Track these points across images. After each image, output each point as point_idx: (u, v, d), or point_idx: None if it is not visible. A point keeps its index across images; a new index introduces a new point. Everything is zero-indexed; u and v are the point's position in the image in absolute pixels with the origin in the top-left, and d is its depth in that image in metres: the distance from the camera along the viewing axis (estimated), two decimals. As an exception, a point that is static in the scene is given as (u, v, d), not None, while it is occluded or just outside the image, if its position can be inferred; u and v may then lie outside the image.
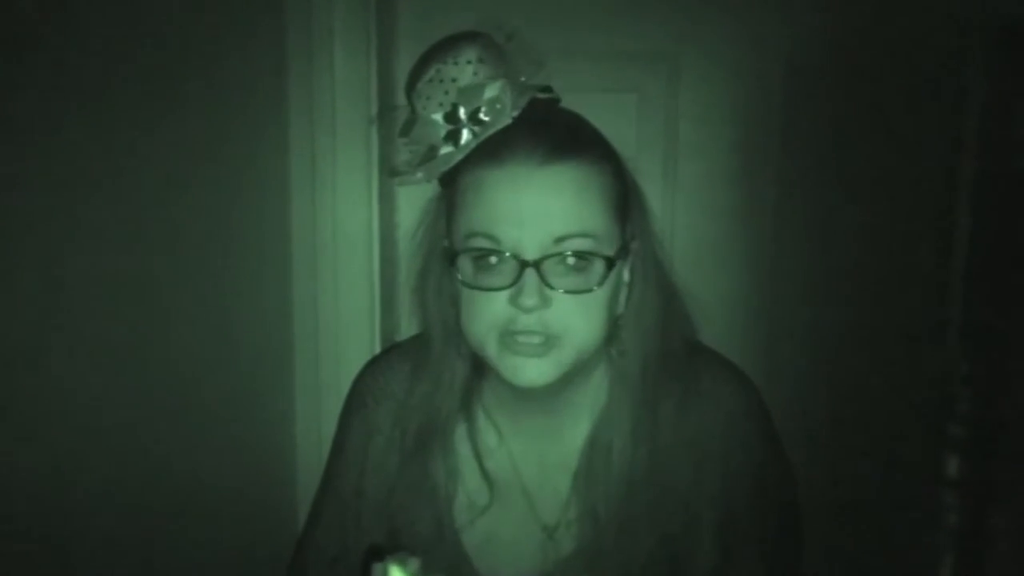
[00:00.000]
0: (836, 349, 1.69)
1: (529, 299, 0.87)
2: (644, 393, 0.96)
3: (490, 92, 0.90)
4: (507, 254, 0.87)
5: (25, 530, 1.01)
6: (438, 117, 0.90)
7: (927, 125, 1.60)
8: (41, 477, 1.03)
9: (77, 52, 1.06)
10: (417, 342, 1.03)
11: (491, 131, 0.90)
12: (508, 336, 0.89)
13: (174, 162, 1.27)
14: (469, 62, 0.90)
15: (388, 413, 1.03)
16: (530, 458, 1.01)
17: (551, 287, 0.87)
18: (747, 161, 1.73)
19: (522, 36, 0.93)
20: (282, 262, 1.66)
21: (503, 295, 0.88)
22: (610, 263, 0.89)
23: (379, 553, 0.92)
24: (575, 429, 0.99)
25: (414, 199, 0.99)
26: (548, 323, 0.88)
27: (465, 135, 0.90)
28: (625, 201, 0.94)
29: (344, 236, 1.68)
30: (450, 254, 0.92)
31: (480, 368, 0.99)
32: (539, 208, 0.87)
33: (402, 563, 0.87)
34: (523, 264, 0.87)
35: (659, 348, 0.96)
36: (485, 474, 1.01)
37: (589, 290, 0.89)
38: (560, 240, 0.87)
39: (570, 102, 0.96)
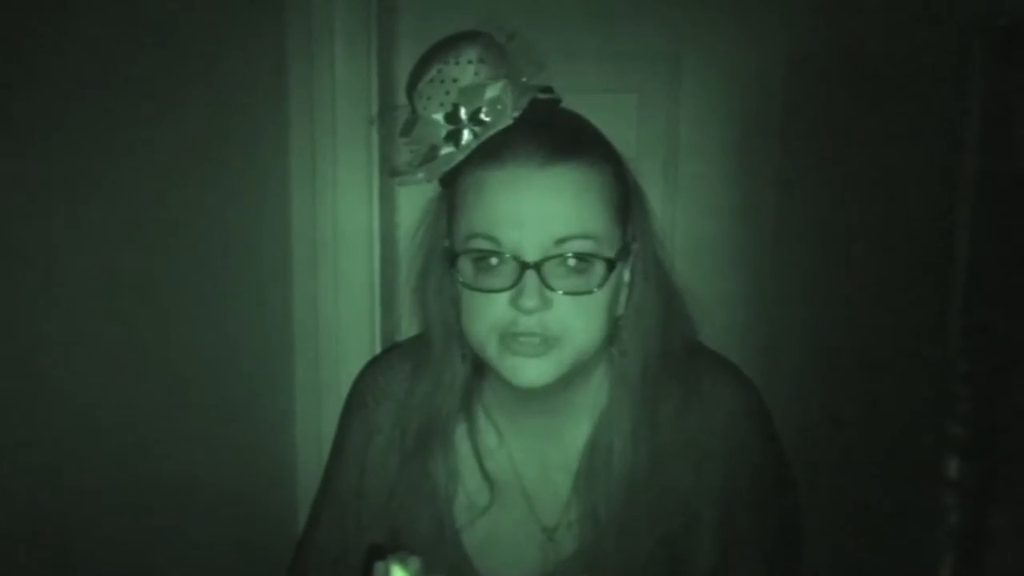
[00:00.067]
0: (836, 349, 1.69)
1: (529, 301, 0.86)
2: (644, 394, 0.96)
3: (491, 92, 0.89)
4: (508, 255, 0.87)
5: (25, 530, 1.01)
6: (439, 117, 0.90)
7: (927, 125, 1.60)
8: (41, 478, 1.03)
9: (77, 52, 1.06)
10: (417, 342, 1.03)
11: (492, 131, 0.89)
12: (508, 338, 0.89)
13: (174, 162, 1.27)
14: (470, 62, 0.90)
15: (388, 413, 1.03)
16: (530, 459, 1.01)
17: (551, 288, 0.87)
18: (747, 161, 1.73)
19: (523, 36, 0.93)
20: (282, 262, 1.66)
21: (503, 297, 0.88)
22: (610, 265, 0.89)
23: (380, 552, 0.93)
24: (575, 430, 0.99)
25: (414, 199, 0.99)
26: (548, 324, 0.88)
27: (466, 135, 0.90)
28: (626, 202, 0.94)
29: (344, 236, 1.68)
30: (450, 255, 0.92)
31: (480, 368, 0.99)
32: (539, 209, 0.87)
33: (403, 562, 0.87)
34: (523, 266, 0.87)
35: (660, 349, 0.96)
36: (485, 474, 1.01)
37: (589, 292, 0.88)
38: (560, 242, 0.87)
39: (571, 103, 0.95)
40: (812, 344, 1.71)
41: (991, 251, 0.60)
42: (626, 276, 0.94)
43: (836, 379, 1.67)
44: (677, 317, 0.98)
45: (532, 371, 0.89)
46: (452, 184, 0.92)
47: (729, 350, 1.04)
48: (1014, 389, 0.56)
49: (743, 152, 1.73)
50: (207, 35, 1.35)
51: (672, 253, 1.01)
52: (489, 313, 0.89)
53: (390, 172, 0.95)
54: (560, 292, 0.88)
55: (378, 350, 1.60)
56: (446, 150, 0.91)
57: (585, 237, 0.88)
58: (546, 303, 0.87)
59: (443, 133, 0.90)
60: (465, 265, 0.90)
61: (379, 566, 0.88)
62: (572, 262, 0.88)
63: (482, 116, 0.90)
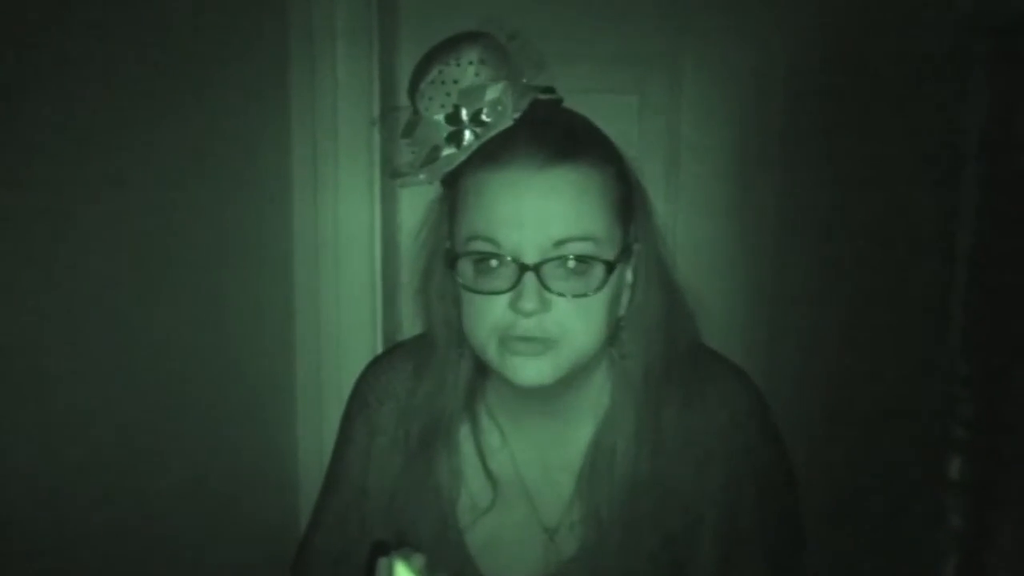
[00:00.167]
0: (837, 349, 1.69)
1: (528, 303, 0.86)
2: (647, 395, 0.96)
3: (491, 94, 0.89)
4: (507, 258, 0.87)
5: (25, 531, 1.01)
6: (440, 118, 0.90)
7: (927, 125, 1.59)
8: (41, 479, 1.03)
9: (79, 53, 1.06)
10: (419, 342, 1.03)
11: (493, 133, 0.89)
12: (508, 339, 0.89)
13: (176, 163, 1.27)
14: (471, 63, 0.89)
15: (391, 413, 1.03)
16: (532, 459, 1.01)
17: (550, 291, 0.87)
18: (748, 162, 1.73)
19: (524, 37, 0.93)
20: (284, 263, 1.67)
21: (503, 299, 0.88)
22: (610, 267, 0.89)
23: (384, 548, 0.93)
24: (578, 431, 0.99)
25: (416, 199, 1.00)
26: (547, 327, 0.88)
27: (467, 136, 0.90)
28: (628, 203, 0.93)
29: (346, 236, 1.68)
30: (451, 257, 0.92)
31: (483, 368, 0.99)
32: (539, 211, 0.87)
33: (407, 559, 0.87)
34: (522, 268, 0.87)
35: (662, 350, 0.96)
36: (488, 474, 1.01)
37: (589, 294, 0.89)
38: (560, 243, 0.87)
39: (572, 104, 0.95)
40: (812, 344, 1.71)
41: (992, 251, 0.60)
42: (628, 277, 0.94)
43: (836, 379, 1.67)
44: (680, 318, 0.98)
45: (532, 371, 0.89)
46: (453, 185, 0.92)
47: (729, 350, 1.04)
48: (1016, 389, 0.56)
49: (744, 152, 1.73)
50: (209, 36, 1.36)
51: (673, 253, 1.01)
52: (489, 315, 0.89)
53: (391, 174, 0.95)
54: (559, 295, 0.88)
55: (380, 351, 1.60)
56: (447, 151, 0.90)
57: (584, 239, 0.88)
58: (545, 305, 0.87)
59: (444, 134, 0.90)
60: (465, 267, 0.90)
61: (383, 562, 0.89)
62: (572, 264, 0.88)
63: (483, 117, 0.89)
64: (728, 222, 1.74)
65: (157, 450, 1.24)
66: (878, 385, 1.65)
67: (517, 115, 0.90)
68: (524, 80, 0.91)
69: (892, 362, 1.64)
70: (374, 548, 0.99)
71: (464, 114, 0.90)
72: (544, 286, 0.87)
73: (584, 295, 0.88)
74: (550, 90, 0.93)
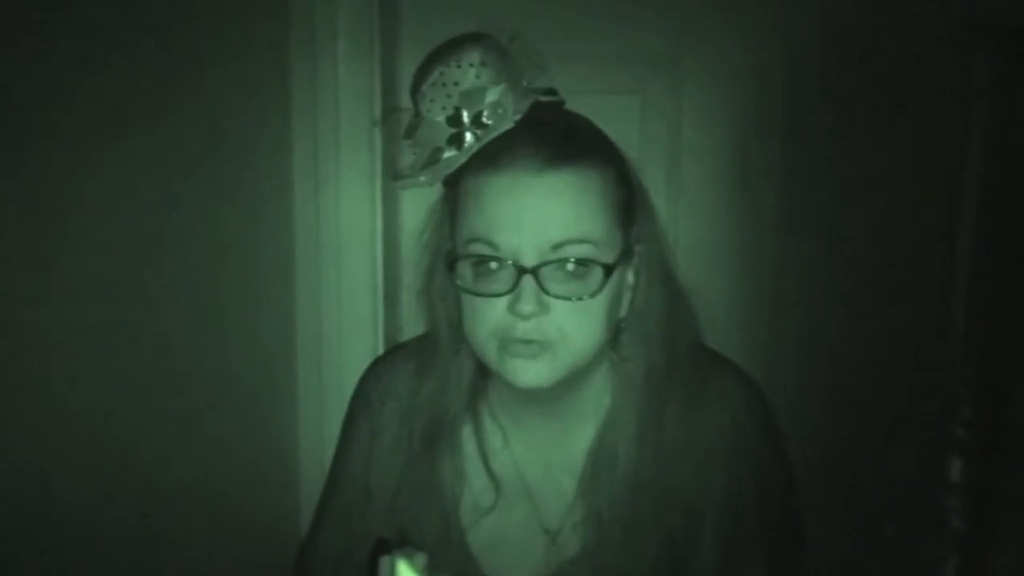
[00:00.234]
0: (837, 351, 1.69)
1: (526, 306, 0.86)
2: (649, 396, 0.96)
3: (492, 96, 0.89)
4: (506, 260, 0.87)
5: (26, 531, 1.01)
6: (441, 120, 0.90)
7: (928, 126, 1.60)
8: (41, 479, 1.03)
9: (79, 52, 1.06)
10: (421, 342, 1.03)
11: (493, 135, 0.89)
12: (507, 342, 0.89)
13: (177, 163, 1.27)
14: (472, 65, 0.89)
15: (393, 413, 1.03)
16: (534, 460, 1.01)
17: (549, 294, 0.87)
18: (749, 162, 1.73)
19: (525, 38, 0.93)
20: (285, 263, 1.67)
21: (502, 301, 0.88)
22: (609, 270, 0.89)
23: (386, 547, 0.92)
24: (579, 432, 0.99)
25: (418, 199, 0.99)
26: (546, 329, 0.88)
27: (468, 139, 0.90)
28: (629, 205, 0.93)
29: (347, 237, 1.68)
30: (451, 259, 0.92)
31: (485, 369, 0.99)
32: (537, 214, 0.87)
33: (409, 558, 0.87)
34: (521, 270, 0.87)
35: (663, 351, 0.95)
36: (491, 475, 1.01)
37: (587, 297, 0.89)
38: (558, 246, 0.87)
39: (572, 105, 0.95)
40: (812, 344, 1.71)
41: (993, 252, 0.60)
42: (630, 279, 0.94)
43: (836, 379, 1.67)
44: (682, 319, 0.97)
45: (530, 374, 0.89)
46: (454, 187, 0.92)
47: (729, 350, 1.04)
48: (1016, 391, 0.56)
49: (745, 153, 1.73)
50: (210, 36, 1.36)
51: (674, 254, 1.01)
52: (488, 317, 0.89)
53: (393, 176, 0.95)
54: (556, 297, 0.88)
55: (381, 351, 1.60)
56: (448, 153, 0.91)
57: (583, 242, 0.88)
58: (543, 308, 0.87)
59: (446, 136, 0.90)
60: (464, 269, 0.91)
61: (385, 560, 0.89)
62: (571, 267, 0.88)
63: (484, 119, 0.89)
64: (729, 223, 1.74)
65: (157, 450, 1.24)
66: (878, 385, 1.65)
67: (518, 117, 0.90)
68: (525, 82, 0.91)
69: (892, 362, 1.64)
70: (376, 547, 0.99)
71: (465, 116, 0.90)
72: (542, 289, 0.87)
73: (582, 298, 0.88)
74: (551, 92, 0.93)
